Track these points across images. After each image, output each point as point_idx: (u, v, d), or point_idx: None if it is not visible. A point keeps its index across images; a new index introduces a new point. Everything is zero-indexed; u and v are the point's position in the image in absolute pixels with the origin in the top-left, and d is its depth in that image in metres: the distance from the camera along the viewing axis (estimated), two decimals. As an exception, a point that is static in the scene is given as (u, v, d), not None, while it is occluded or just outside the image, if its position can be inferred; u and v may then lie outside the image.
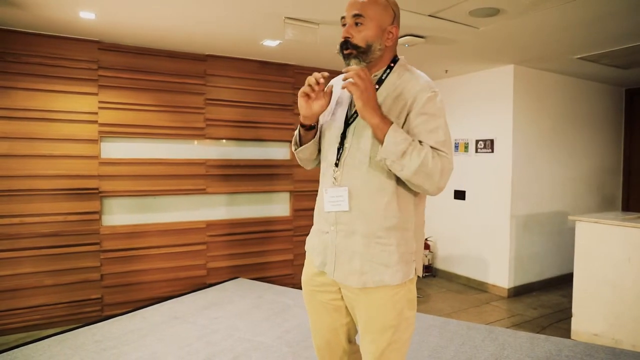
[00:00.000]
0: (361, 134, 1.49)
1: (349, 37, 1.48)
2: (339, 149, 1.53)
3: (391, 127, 1.38)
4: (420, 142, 1.42)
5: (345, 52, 1.49)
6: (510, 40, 3.76)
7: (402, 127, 1.45)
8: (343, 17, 1.51)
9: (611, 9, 2.97)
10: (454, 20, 3.28)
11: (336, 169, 1.52)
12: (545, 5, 2.92)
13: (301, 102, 1.52)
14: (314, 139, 1.63)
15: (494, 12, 3.05)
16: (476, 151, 5.03)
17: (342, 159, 1.52)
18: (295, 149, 1.68)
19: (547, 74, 4.95)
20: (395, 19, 1.53)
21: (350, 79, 1.39)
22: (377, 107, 1.41)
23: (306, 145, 1.64)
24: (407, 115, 1.45)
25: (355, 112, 1.52)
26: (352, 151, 1.50)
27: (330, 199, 1.52)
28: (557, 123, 5.11)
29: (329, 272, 1.55)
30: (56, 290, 3.74)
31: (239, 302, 3.91)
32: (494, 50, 4.13)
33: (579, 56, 4.22)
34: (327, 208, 1.53)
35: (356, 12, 1.47)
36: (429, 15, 3.17)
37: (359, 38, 1.47)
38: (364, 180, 1.47)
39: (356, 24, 1.47)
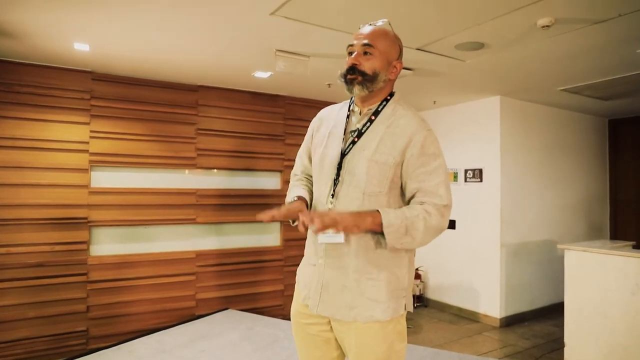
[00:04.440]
0: (354, 171, 1.48)
1: (356, 64, 1.49)
2: (334, 181, 1.52)
3: (382, 216, 1.38)
4: (411, 200, 1.47)
5: (349, 76, 1.49)
6: (496, 72, 3.87)
7: (401, 167, 1.46)
8: (350, 45, 1.53)
9: (590, 43, 3.09)
10: (440, 54, 3.37)
11: (332, 199, 1.51)
12: (527, 40, 3.03)
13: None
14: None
15: (479, 46, 3.16)
16: (465, 180, 5.08)
17: (337, 191, 1.51)
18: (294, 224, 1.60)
19: (532, 104, 5.08)
20: (400, 54, 1.56)
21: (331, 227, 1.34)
22: (359, 216, 1.38)
23: None
24: (403, 156, 1.46)
25: (351, 143, 1.52)
26: (345, 185, 1.50)
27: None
28: (544, 152, 5.21)
29: (312, 307, 1.53)
30: (40, 322, 3.64)
31: (228, 334, 3.84)
32: (480, 82, 4.24)
33: (561, 88, 4.35)
34: (320, 239, 1.50)
35: (366, 41, 1.49)
36: (417, 49, 3.27)
37: (367, 66, 1.48)
38: None
39: (365, 53, 1.49)
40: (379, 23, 1.55)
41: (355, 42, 1.52)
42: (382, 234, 1.40)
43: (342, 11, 2.62)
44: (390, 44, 1.52)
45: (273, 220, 1.44)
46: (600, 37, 2.96)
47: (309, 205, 1.59)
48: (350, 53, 1.53)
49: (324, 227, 1.33)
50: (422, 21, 2.76)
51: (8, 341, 3.52)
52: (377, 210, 1.40)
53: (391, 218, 1.38)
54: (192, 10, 2.66)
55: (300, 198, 1.58)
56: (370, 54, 1.49)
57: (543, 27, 2.71)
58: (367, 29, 1.52)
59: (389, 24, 1.55)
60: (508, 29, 2.84)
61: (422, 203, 1.45)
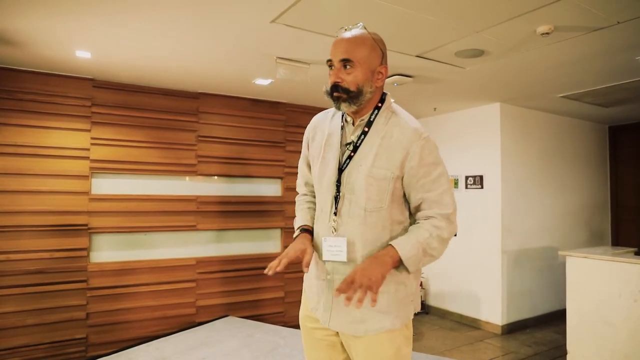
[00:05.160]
0: (354, 188, 1.46)
1: (338, 82, 1.42)
2: (335, 198, 1.49)
3: (399, 252, 1.38)
4: (422, 218, 1.46)
5: (335, 94, 1.43)
6: (495, 79, 3.88)
7: (402, 180, 1.45)
8: (329, 60, 1.46)
9: (590, 50, 3.10)
10: (440, 61, 3.39)
11: (335, 217, 1.49)
12: (526, 47, 3.05)
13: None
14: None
15: (478, 53, 3.17)
16: (466, 187, 5.08)
17: (339, 209, 1.49)
18: None
19: (532, 111, 5.09)
20: (384, 58, 1.47)
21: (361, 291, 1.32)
22: (379, 264, 1.37)
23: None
24: (402, 170, 1.43)
25: (348, 157, 1.49)
26: (347, 202, 1.47)
27: (329, 248, 1.48)
28: (545, 159, 5.21)
29: (324, 321, 1.53)
30: (39, 330, 3.62)
31: (228, 342, 3.82)
32: (480, 89, 4.25)
33: (561, 95, 4.36)
34: (325, 257, 1.49)
35: (344, 56, 1.41)
36: (417, 56, 3.28)
37: (349, 81, 1.41)
38: (361, 232, 1.45)
39: (345, 66, 1.41)
40: (356, 28, 1.46)
41: (331, 56, 1.45)
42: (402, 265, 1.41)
43: (343, 19, 2.63)
44: (369, 52, 1.42)
45: (276, 273, 1.41)
46: (599, 44, 2.97)
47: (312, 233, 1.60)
48: (331, 67, 1.46)
49: (362, 291, 1.31)
50: (422, 28, 2.77)
51: (7, 348, 3.50)
52: (391, 245, 1.40)
53: (407, 250, 1.39)
54: (193, 18, 2.68)
55: (304, 231, 1.58)
56: (351, 67, 1.41)
57: (542, 34, 2.72)
58: (343, 39, 1.43)
59: (365, 28, 1.46)
60: (508, 36, 2.85)
61: (428, 217, 1.44)
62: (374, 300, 1.32)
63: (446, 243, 1.46)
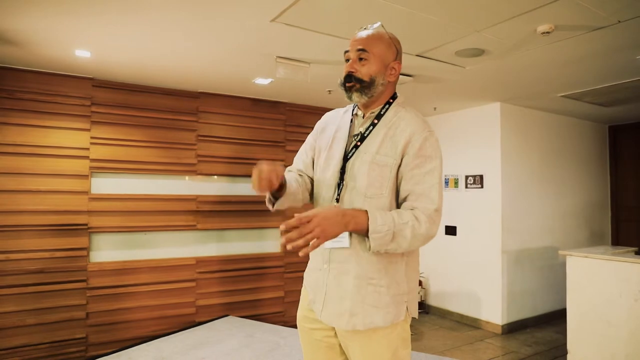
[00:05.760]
0: (356, 175, 1.48)
1: (352, 72, 1.50)
2: (339, 185, 1.52)
3: (369, 222, 1.35)
4: (407, 208, 1.42)
5: (347, 84, 1.50)
6: (496, 79, 3.88)
7: (398, 168, 1.46)
8: (347, 52, 1.54)
9: (590, 50, 3.10)
10: (441, 60, 3.38)
11: (337, 204, 1.50)
12: (526, 47, 3.04)
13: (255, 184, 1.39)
14: (288, 189, 1.52)
15: (479, 52, 3.16)
16: (466, 187, 5.08)
17: (342, 195, 1.50)
18: (273, 208, 1.55)
19: (532, 111, 5.08)
20: (398, 55, 1.56)
21: (310, 240, 1.28)
22: (341, 215, 1.33)
23: (283, 197, 1.51)
24: (402, 156, 1.45)
25: (354, 147, 1.52)
26: (349, 189, 1.49)
27: None
28: (545, 159, 5.21)
29: (317, 312, 1.53)
30: (39, 329, 3.62)
31: (228, 341, 3.81)
32: (480, 89, 4.25)
33: (562, 94, 4.36)
34: (327, 244, 1.48)
35: (360, 47, 1.49)
36: (417, 55, 3.28)
37: (363, 72, 1.49)
38: None
39: (360, 59, 1.49)
40: (375, 26, 1.54)
41: (350, 48, 1.53)
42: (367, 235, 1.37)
43: (343, 18, 2.63)
44: (385, 47, 1.52)
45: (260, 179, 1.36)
46: (600, 43, 2.97)
47: (284, 185, 1.49)
48: (347, 60, 1.54)
49: (304, 240, 1.26)
50: (423, 28, 2.77)
51: (7, 348, 3.50)
52: (366, 213, 1.36)
53: (378, 225, 1.35)
54: (192, 17, 2.67)
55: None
56: (366, 59, 1.49)
57: (543, 33, 2.72)
58: (361, 35, 1.52)
59: (382, 27, 1.54)
60: (508, 35, 2.85)
61: (412, 208, 1.43)
62: (305, 254, 1.29)
63: (419, 239, 1.41)
